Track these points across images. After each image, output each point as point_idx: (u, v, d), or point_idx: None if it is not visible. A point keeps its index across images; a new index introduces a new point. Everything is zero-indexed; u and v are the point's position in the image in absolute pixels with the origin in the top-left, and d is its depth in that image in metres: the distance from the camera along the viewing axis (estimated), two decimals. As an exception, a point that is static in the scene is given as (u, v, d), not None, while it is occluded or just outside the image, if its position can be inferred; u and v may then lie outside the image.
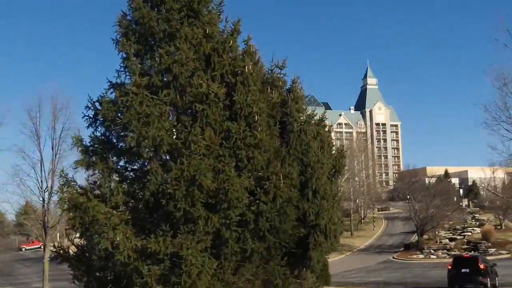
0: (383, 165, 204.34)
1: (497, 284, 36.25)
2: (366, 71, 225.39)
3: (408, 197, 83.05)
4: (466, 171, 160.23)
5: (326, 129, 25.96)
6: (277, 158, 18.45)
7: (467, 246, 76.20)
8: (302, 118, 22.85)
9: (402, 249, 79.65)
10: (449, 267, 35.71)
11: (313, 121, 24.15)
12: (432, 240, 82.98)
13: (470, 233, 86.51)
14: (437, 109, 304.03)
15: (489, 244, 74.77)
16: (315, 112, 24.38)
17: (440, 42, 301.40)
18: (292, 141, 21.76)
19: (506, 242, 75.44)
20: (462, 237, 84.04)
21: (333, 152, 26.10)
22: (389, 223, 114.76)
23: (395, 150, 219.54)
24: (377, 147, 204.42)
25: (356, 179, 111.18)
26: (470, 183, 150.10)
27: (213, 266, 16.33)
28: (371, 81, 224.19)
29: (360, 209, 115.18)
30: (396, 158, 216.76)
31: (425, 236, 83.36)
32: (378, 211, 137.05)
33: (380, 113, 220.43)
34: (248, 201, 17.03)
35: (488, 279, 34.31)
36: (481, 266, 34.43)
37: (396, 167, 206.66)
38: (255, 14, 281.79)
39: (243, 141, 17.31)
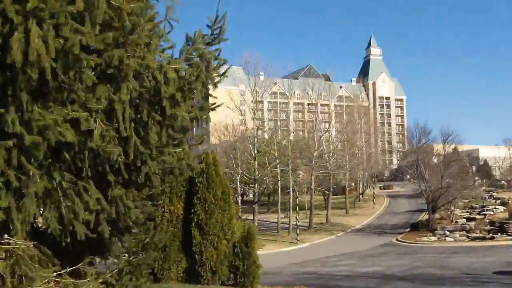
0: (386, 143, 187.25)
1: None
2: (370, 41, 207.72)
3: (416, 166, 65.99)
4: (477, 149, 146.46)
5: None
6: None
7: (491, 227, 59.56)
8: None
9: (409, 229, 63.15)
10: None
11: None
12: (445, 220, 66.57)
13: (492, 212, 70.30)
14: (446, 83, 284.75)
15: (519, 224, 58.09)
16: None
17: (451, 9, 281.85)
18: None
19: (539, 223, 58.84)
20: (482, 216, 67.53)
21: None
22: (392, 201, 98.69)
23: (400, 126, 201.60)
24: (380, 122, 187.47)
25: (356, 150, 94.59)
26: (481, 162, 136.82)
27: None
28: (375, 51, 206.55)
29: (358, 183, 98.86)
30: (401, 136, 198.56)
31: (436, 215, 67.20)
32: (380, 189, 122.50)
33: (384, 86, 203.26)
34: None
35: None
36: None
37: (401, 145, 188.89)
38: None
39: None
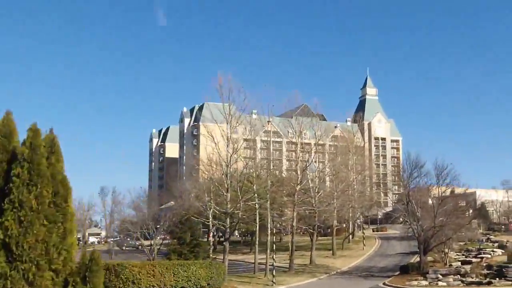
0: (381, 184, 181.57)
1: None
2: (366, 80, 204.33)
3: (407, 202, 60.51)
4: (474, 192, 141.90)
5: None
6: None
7: (488, 271, 54.11)
8: None
9: (398, 272, 57.57)
10: None
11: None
12: (439, 263, 61.19)
13: (489, 255, 65.18)
14: (443, 126, 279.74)
15: (520, 268, 52.68)
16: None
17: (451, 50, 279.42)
18: None
19: (543, 268, 53.24)
20: (479, 259, 62.26)
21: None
22: (384, 243, 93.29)
23: (395, 168, 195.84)
24: (375, 163, 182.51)
25: (346, 187, 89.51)
26: (478, 205, 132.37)
27: None
28: (371, 91, 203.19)
29: (348, 222, 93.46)
30: (396, 178, 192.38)
31: (429, 258, 61.97)
32: (373, 231, 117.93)
33: (380, 126, 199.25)
34: None
35: None
36: None
37: (396, 187, 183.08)
38: (250, 18, 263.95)
39: None
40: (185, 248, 49.85)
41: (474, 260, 62.40)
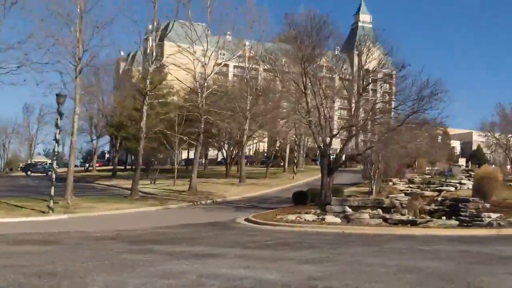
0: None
1: None
2: (360, 6, 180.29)
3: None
4: (471, 132, 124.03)
5: None
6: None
7: (437, 207, 33.01)
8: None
9: (292, 204, 36.45)
10: None
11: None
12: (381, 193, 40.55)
13: (452, 188, 44.66)
14: (441, 59, 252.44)
15: (486, 204, 31.68)
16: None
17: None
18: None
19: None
20: (435, 193, 41.59)
21: None
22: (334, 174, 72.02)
23: (387, 105, 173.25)
24: (364, 98, 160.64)
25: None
26: (474, 147, 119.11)
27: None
28: (364, 18, 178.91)
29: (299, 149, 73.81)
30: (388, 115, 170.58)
31: (365, 189, 41.91)
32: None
33: (372, 58, 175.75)
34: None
35: None
36: None
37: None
38: None
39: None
40: None
41: (427, 193, 41.59)
